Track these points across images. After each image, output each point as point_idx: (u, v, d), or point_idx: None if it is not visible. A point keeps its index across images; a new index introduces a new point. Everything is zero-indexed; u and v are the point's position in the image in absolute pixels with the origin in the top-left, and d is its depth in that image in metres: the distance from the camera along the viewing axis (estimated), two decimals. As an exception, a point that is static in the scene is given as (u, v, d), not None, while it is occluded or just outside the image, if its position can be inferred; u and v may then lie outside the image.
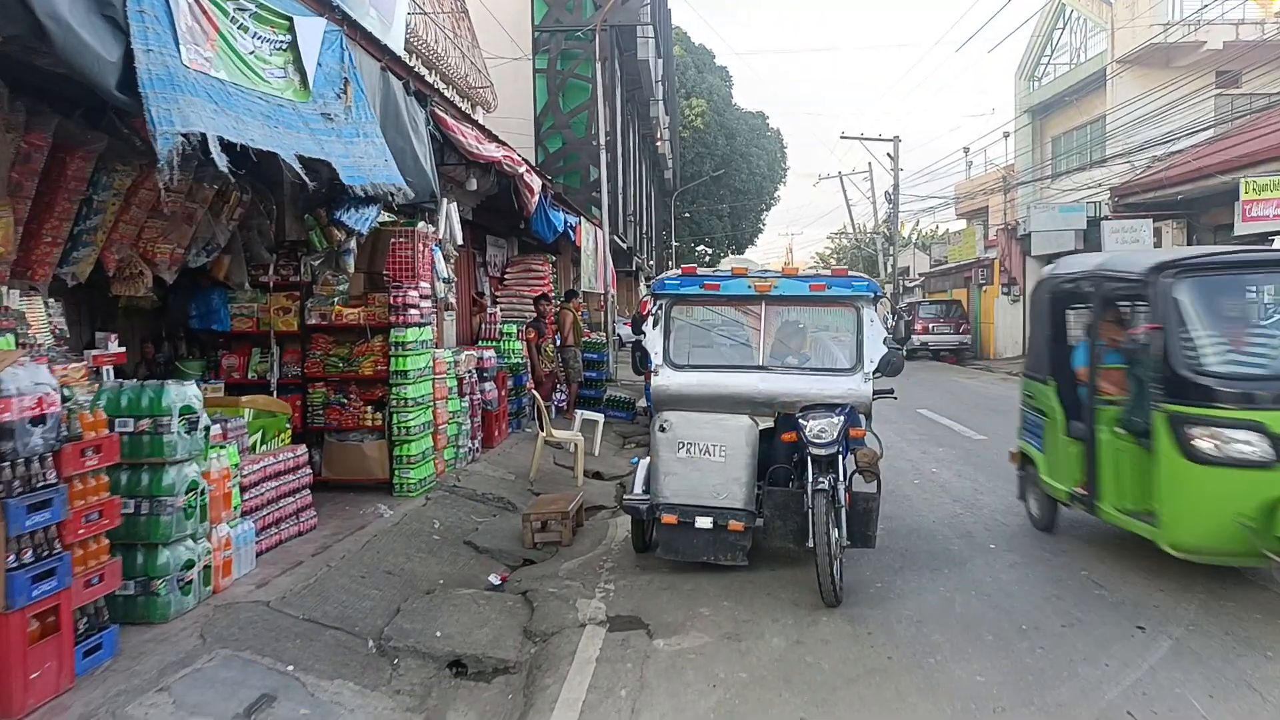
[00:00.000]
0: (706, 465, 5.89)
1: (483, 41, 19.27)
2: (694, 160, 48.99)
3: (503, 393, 10.99)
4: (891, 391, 6.21)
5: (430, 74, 12.80)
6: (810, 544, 5.41)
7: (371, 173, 5.86)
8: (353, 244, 7.84)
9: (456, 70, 12.68)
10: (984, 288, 31.96)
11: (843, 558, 5.45)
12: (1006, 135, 37.38)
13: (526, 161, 12.02)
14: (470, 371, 9.49)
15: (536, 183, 12.31)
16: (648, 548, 6.49)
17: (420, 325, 7.90)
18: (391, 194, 6.20)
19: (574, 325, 13.78)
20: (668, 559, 6.13)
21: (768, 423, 5.96)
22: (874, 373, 5.87)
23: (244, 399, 6.28)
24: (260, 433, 6.38)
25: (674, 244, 46.36)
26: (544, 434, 9.30)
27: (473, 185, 11.74)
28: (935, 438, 12.30)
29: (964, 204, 42.26)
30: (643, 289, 41.72)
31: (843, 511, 5.43)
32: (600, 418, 11.20)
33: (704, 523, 5.84)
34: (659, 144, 33.83)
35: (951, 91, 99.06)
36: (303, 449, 6.47)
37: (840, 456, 5.56)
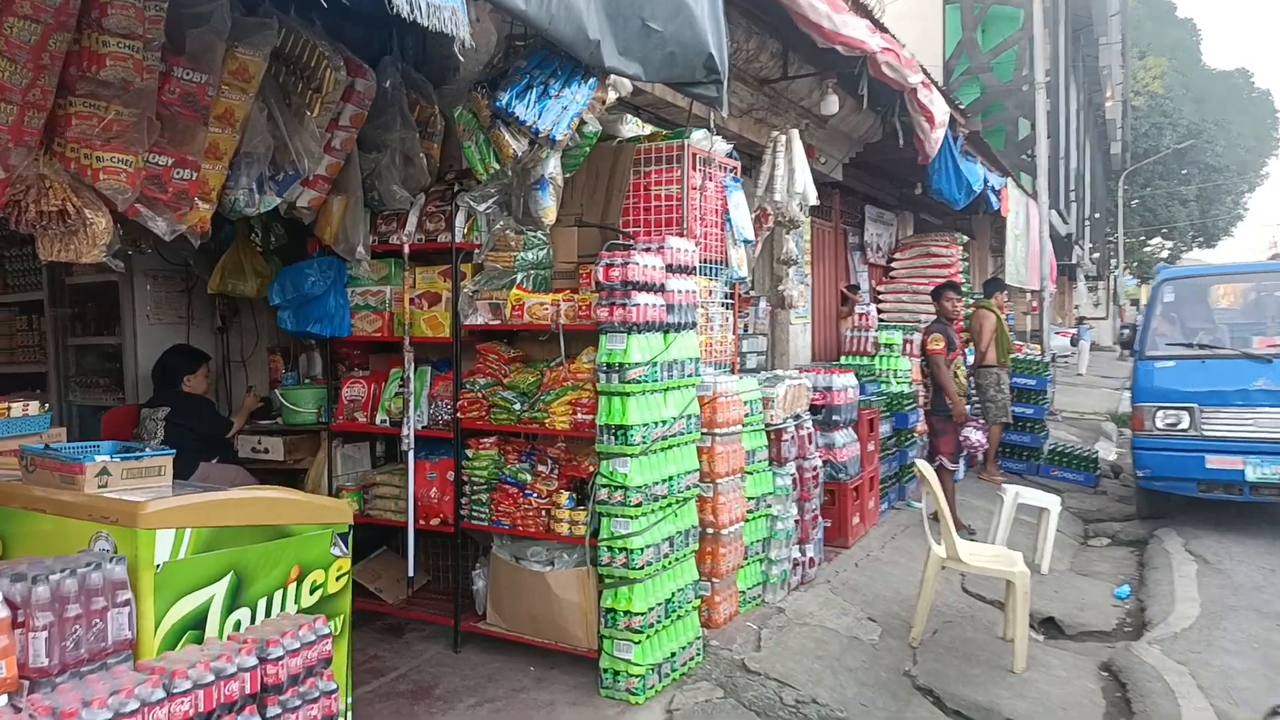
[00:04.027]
0: None
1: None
2: (1148, 133, 39.59)
3: (869, 446, 6.43)
4: None
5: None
6: None
7: None
8: (552, 166, 3.89)
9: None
10: None
11: None
12: None
13: (924, 70, 7.33)
14: (798, 416, 5.10)
15: (940, 107, 7.57)
16: None
17: (666, 328, 3.72)
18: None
19: (998, 333, 8.73)
20: None
21: None
22: None
23: (84, 507, 2.53)
24: (231, 582, 2.64)
25: (1120, 235, 37.47)
26: (941, 549, 4.61)
27: (831, 107, 7.40)
28: None
29: None
30: (1080, 291, 33.63)
31: None
32: (1054, 504, 6.12)
33: None
34: (1108, 102, 26.32)
35: None
36: (301, 635, 2.58)
37: None
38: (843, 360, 8.18)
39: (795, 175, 6.16)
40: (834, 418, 5.82)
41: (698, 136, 4.40)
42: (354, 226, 4.16)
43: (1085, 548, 7.46)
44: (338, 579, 3.00)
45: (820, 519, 5.37)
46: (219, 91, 3.47)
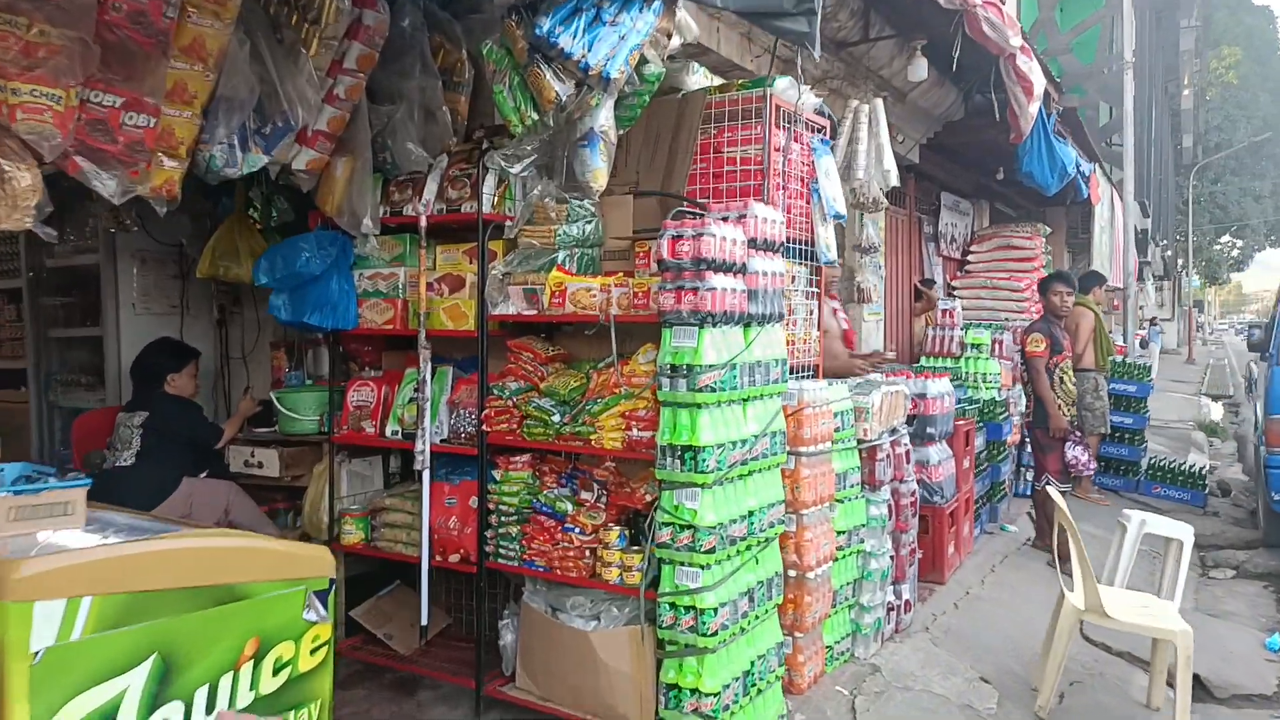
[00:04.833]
0: None
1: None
2: (1220, 126, 37.80)
3: (964, 464, 5.55)
4: None
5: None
6: None
7: None
8: (603, 117, 3.10)
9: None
10: None
11: None
12: None
13: (1024, 34, 6.42)
14: (894, 430, 4.24)
15: (1039, 77, 6.61)
16: None
17: (748, 320, 2.91)
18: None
19: (1097, 333, 7.76)
20: None
21: None
22: None
23: None
24: (155, 668, 1.88)
25: (1189, 231, 35.72)
26: (1079, 597, 3.72)
27: (919, 72, 6.56)
28: None
29: None
30: (1148, 291, 31.96)
31: None
32: (1187, 535, 5.17)
33: None
34: (1186, 91, 24.87)
35: None
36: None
37: None
38: (923, 362, 7.28)
39: (882, 150, 5.35)
40: (928, 430, 4.94)
41: (782, 85, 3.57)
42: (360, 194, 3.41)
43: (1207, 580, 6.48)
44: (313, 652, 2.24)
45: (917, 550, 4.51)
46: (182, 15, 2.73)
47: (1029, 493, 7.43)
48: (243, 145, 3.12)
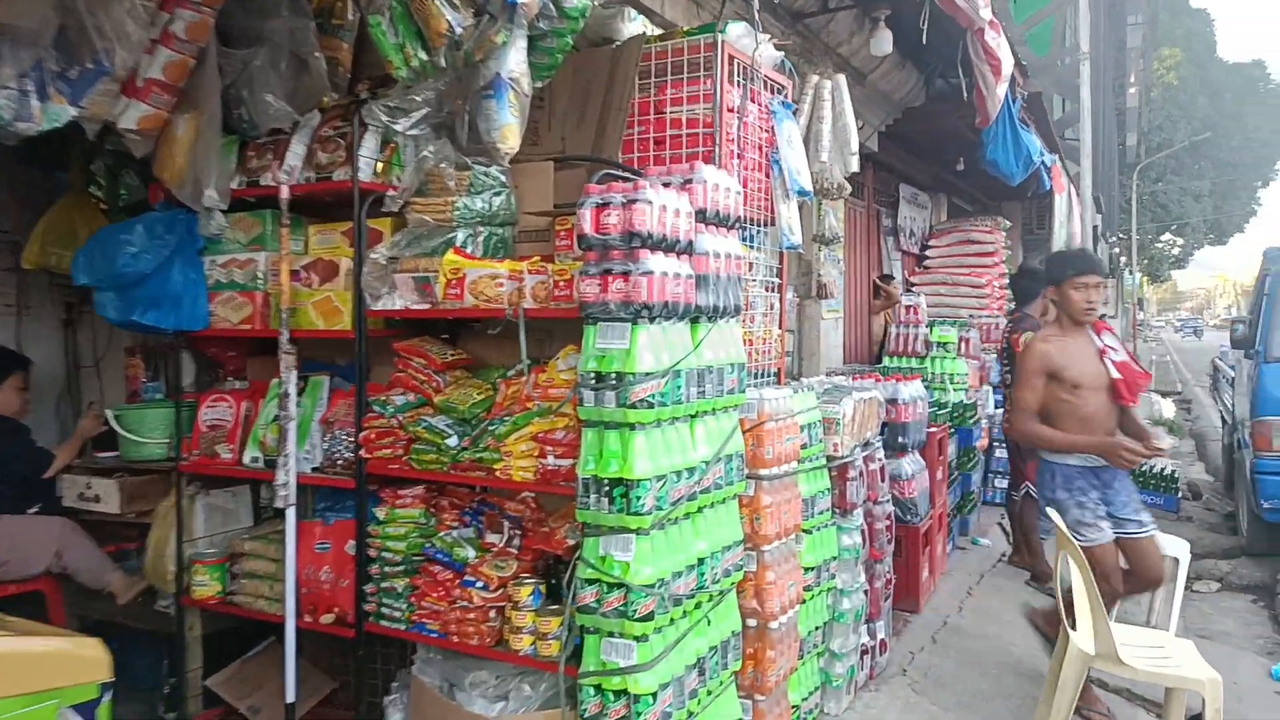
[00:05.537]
0: None
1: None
2: (1161, 126, 38.55)
3: (938, 475, 4.99)
4: None
5: None
6: None
7: None
8: (513, 60, 2.43)
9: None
10: None
11: None
12: None
13: (994, 8, 5.90)
14: (867, 443, 3.64)
15: (1007, 56, 6.09)
16: None
17: (696, 314, 2.27)
18: None
19: (1069, 332, 7.28)
20: None
21: None
22: None
23: None
24: None
25: (1133, 229, 36.15)
26: (1087, 640, 3.14)
27: (884, 45, 6.01)
28: None
29: None
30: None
31: None
32: (1184, 552, 4.65)
33: None
34: (1132, 89, 24.93)
35: None
36: None
37: None
38: (887, 362, 6.74)
39: (847, 130, 4.80)
40: (900, 439, 4.36)
41: (736, 32, 2.94)
42: (205, 159, 2.69)
43: (1192, 595, 6.03)
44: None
45: (892, 580, 3.93)
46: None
47: (1000, 500, 6.95)
48: (40, 92, 2.41)
